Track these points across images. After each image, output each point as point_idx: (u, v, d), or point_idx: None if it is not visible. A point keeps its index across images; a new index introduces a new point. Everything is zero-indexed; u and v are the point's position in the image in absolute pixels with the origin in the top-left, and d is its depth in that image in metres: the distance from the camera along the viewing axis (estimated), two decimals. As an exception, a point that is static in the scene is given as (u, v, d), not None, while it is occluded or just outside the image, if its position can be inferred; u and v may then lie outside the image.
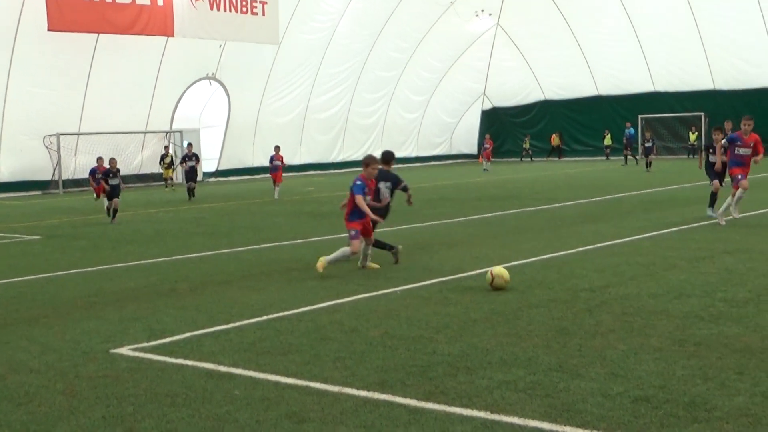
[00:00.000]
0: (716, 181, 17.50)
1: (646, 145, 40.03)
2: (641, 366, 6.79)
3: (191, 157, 32.13)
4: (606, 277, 10.96)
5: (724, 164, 17.16)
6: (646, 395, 6.04)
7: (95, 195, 26.97)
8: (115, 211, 21.77)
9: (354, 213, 12.04)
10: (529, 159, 56.79)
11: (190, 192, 31.13)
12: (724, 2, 45.87)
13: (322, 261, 11.66)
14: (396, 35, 49.28)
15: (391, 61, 50.77)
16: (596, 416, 5.63)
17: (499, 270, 10.33)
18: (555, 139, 56.78)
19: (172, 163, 40.07)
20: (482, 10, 52.05)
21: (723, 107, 48.69)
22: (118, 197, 22.03)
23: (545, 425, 5.49)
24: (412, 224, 18.53)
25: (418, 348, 7.60)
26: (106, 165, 24.09)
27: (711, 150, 17.98)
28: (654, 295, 9.70)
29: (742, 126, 16.66)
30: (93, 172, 26.63)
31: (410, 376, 6.74)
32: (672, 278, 10.74)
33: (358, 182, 12.07)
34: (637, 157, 45.51)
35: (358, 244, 11.91)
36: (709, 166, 17.96)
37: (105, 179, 22.88)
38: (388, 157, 13.49)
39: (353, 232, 11.95)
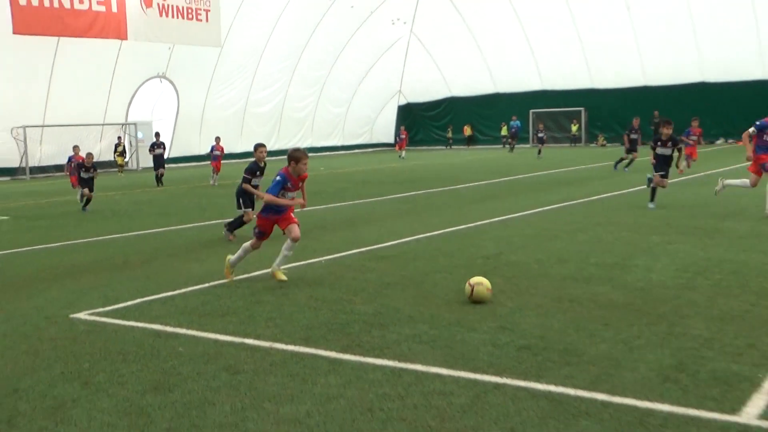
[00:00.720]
0: (659, 176, 15.30)
1: (539, 135, 40.73)
2: (525, 320, 6.96)
3: (159, 145, 30.38)
4: (499, 246, 11.15)
5: (669, 157, 15.34)
6: (528, 344, 6.20)
7: (72, 184, 24.55)
8: (89, 200, 20.03)
9: (267, 208, 9.31)
10: (449, 147, 57.08)
11: (159, 178, 28.86)
12: (599, 8, 46.57)
13: (228, 268, 9.38)
14: (324, 40, 48.97)
15: (320, 62, 50.43)
16: (486, 363, 5.77)
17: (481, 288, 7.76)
18: (467, 130, 57.46)
19: (124, 151, 39.77)
20: (398, 19, 52.17)
21: (600, 104, 50.20)
22: (91, 190, 20.05)
23: (443, 371, 5.60)
24: (337, 203, 18.55)
25: (339, 308, 7.64)
26: (82, 155, 22.28)
27: (659, 143, 15.33)
28: (538, 260, 9.91)
29: None
30: (70, 160, 24.98)
31: (331, 332, 6.78)
32: (553, 246, 10.99)
33: (278, 178, 9.05)
34: (515, 146, 46.91)
35: (258, 242, 9.45)
36: (661, 159, 15.40)
37: (78, 172, 20.92)
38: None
39: (256, 230, 9.40)
